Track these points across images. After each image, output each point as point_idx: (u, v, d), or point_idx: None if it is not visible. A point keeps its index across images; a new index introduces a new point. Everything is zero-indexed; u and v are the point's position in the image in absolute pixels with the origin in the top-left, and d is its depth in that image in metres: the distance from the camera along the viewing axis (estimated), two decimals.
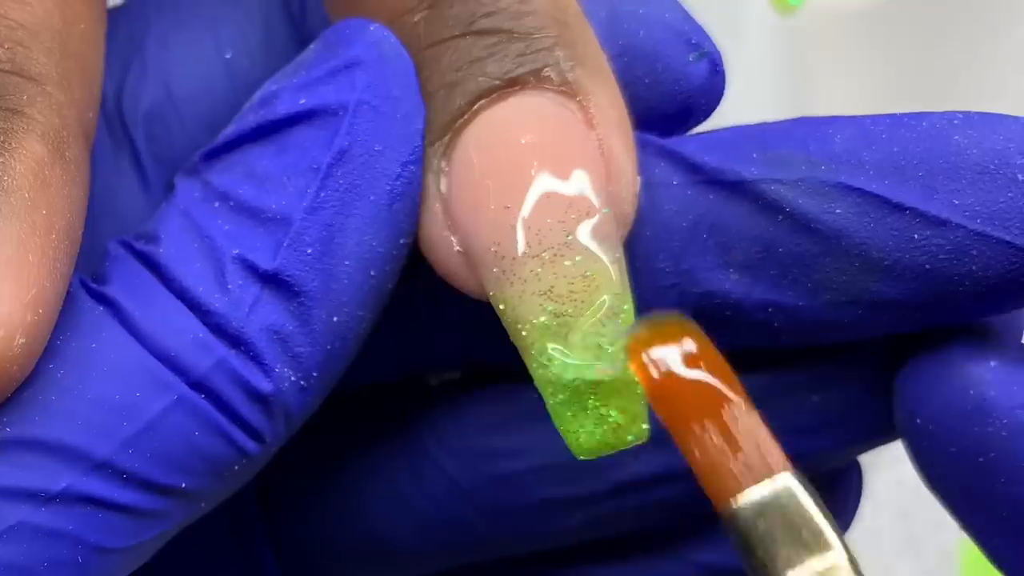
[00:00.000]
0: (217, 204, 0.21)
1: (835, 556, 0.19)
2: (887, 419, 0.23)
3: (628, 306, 0.20)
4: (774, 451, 0.19)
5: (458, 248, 0.21)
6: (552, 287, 0.20)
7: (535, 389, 0.21)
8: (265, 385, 0.20)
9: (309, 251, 0.20)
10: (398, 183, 0.20)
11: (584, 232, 0.20)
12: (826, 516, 0.19)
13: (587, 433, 0.20)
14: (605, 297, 0.20)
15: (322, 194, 0.20)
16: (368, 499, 0.25)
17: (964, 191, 0.21)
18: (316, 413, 0.22)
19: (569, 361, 0.20)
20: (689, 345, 0.19)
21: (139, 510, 0.20)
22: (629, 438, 0.20)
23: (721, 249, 0.22)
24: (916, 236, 0.21)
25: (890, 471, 0.59)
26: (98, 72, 0.22)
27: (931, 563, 0.55)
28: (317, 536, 0.26)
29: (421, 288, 0.22)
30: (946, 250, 0.21)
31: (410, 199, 0.21)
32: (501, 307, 0.20)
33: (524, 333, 0.20)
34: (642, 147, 0.22)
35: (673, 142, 0.22)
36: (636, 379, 0.20)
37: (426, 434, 0.25)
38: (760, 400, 0.22)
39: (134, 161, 0.24)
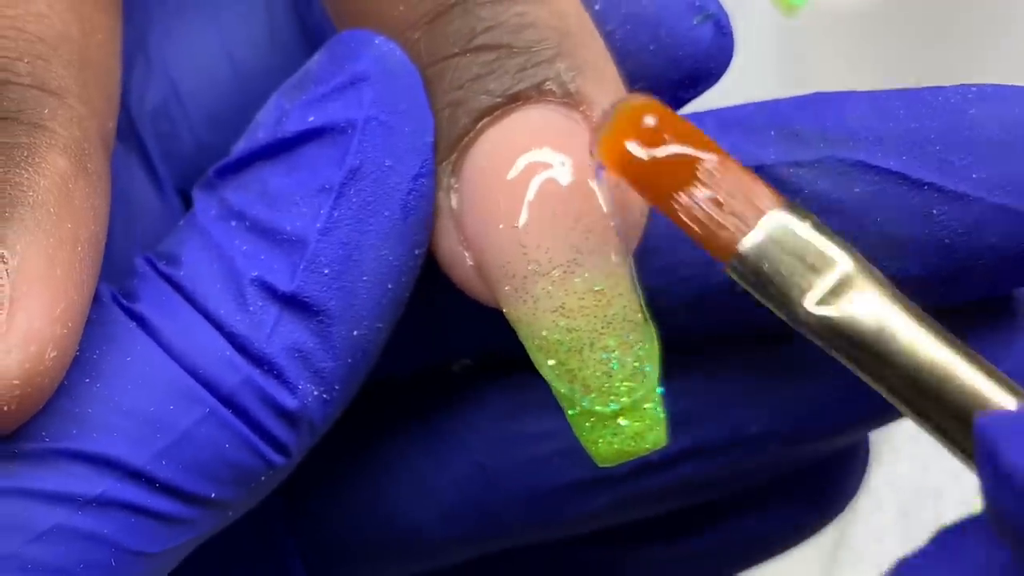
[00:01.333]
0: (234, 223, 0.21)
1: (842, 266, 0.19)
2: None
3: (640, 314, 0.20)
4: (759, 192, 0.19)
5: (471, 263, 0.21)
6: (563, 304, 0.20)
7: None
8: (290, 402, 0.21)
9: (326, 271, 0.20)
10: (411, 197, 0.21)
11: (592, 246, 0.20)
12: (824, 234, 0.19)
13: (606, 443, 0.20)
14: (617, 309, 0.20)
15: (335, 213, 0.20)
16: (392, 489, 0.26)
17: (981, 164, 0.21)
18: None
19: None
20: (649, 121, 0.19)
21: (171, 517, 0.20)
22: (647, 445, 0.20)
23: None
24: (935, 212, 0.21)
25: (889, 469, 0.59)
26: (116, 81, 0.22)
27: None
28: (342, 529, 0.26)
29: (437, 284, 0.23)
30: (965, 224, 0.21)
31: (423, 211, 0.21)
32: (515, 323, 0.20)
33: (539, 349, 0.20)
34: None
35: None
36: (654, 394, 0.20)
37: (449, 421, 0.25)
38: (771, 377, 0.22)
39: (143, 159, 0.25)
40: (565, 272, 0.20)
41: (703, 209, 0.19)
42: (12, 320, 0.18)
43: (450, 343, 0.25)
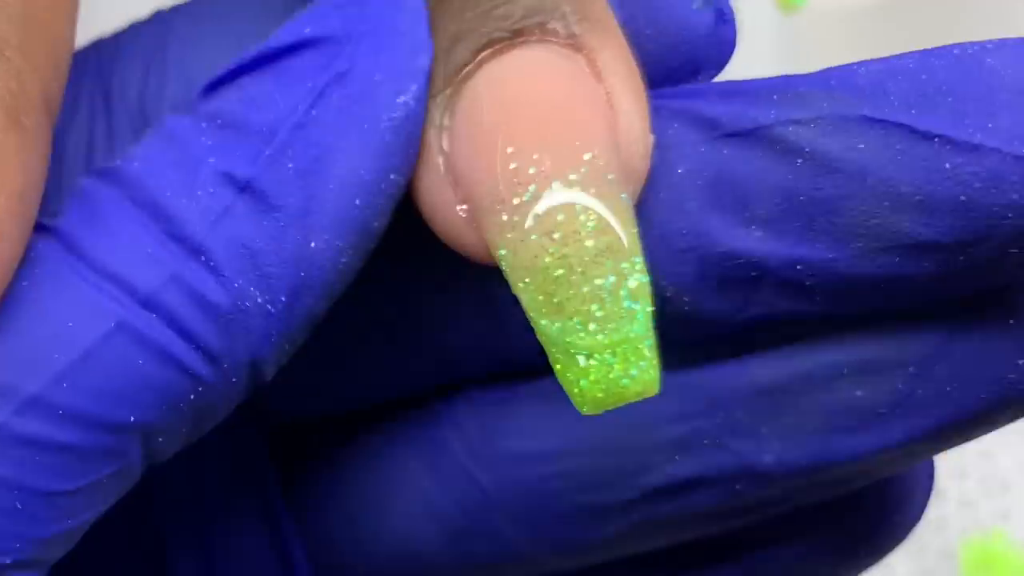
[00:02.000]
0: (204, 124, 0.20)
1: None
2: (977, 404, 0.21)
3: (638, 257, 0.19)
4: None
5: (460, 206, 0.20)
6: (556, 229, 0.19)
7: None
8: (222, 299, 0.19)
9: (291, 166, 0.19)
10: (395, 116, 0.19)
11: (591, 179, 0.19)
12: None
13: (590, 384, 0.19)
14: (612, 238, 0.19)
15: (313, 112, 0.19)
16: (397, 506, 0.25)
17: (998, 113, 0.19)
18: (340, 416, 0.21)
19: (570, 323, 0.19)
20: None
21: (83, 448, 0.18)
22: (637, 388, 0.19)
23: (740, 205, 0.20)
24: (947, 165, 0.19)
25: None
26: (65, 44, 0.21)
27: (932, 563, 0.55)
28: (349, 550, 0.25)
29: (430, 292, 0.22)
30: (981, 178, 0.19)
31: (405, 135, 0.20)
32: (503, 254, 0.19)
33: (527, 280, 0.19)
34: (655, 109, 0.21)
35: (688, 92, 0.21)
36: (645, 331, 0.19)
37: (454, 439, 0.24)
38: (822, 385, 0.21)
39: None
40: (563, 201, 0.19)
41: None
42: None
43: (453, 362, 0.24)
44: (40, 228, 0.19)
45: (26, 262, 0.19)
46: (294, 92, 0.19)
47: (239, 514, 0.21)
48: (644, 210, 0.21)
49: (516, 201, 0.19)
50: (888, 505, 0.25)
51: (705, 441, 0.22)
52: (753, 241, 0.20)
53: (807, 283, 0.21)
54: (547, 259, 0.19)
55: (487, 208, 0.19)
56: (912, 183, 0.19)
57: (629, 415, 0.21)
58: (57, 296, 0.19)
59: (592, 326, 0.19)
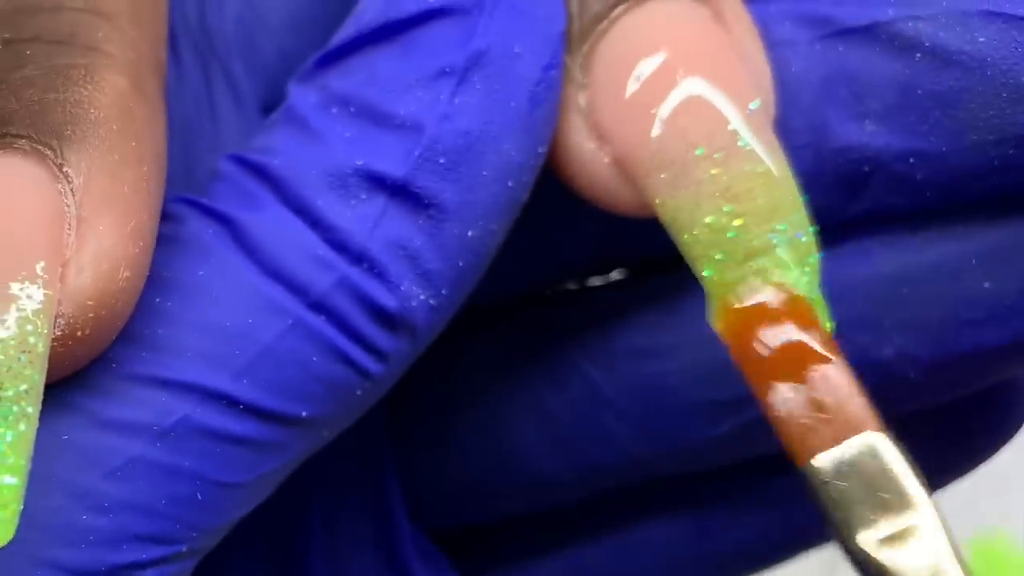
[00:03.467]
0: (336, 110, 0.19)
1: (916, 516, 0.18)
2: None
3: (799, 198, 0.19)
4: (860, 408, 0.18)
5: (607, 160, 0.19)
6: (729, 187, 0.19)
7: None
8: (390, 303, 0.19)
9: (442, 161, 0.19)
10: (539, 88, 0.19)
11: (748, 129, 0.19)
12: (913, 473, 0.18)
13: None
14: (783, 191, 0.19)
15: (457, 99, 0.19)
16: (506, 412, 0.24)
17: None
18: (447, 327, 0.21)
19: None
20: (775, 299, 0.18)
21: (258, 441, 0.19)
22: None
23: (855, 99, 0.20)
24: None
25: None
26: (166, 7, 0.21)
27: None
28: (450, 459, 0.25)
29: (549, 195, 0.21)
30: None
31: (550, 106, 0.19)
32: (673, 213, 0.19)
33: (700, 237, 0.19)
34: (767, 12, 0.21)
35: None
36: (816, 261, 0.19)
37: (567, 339, 0.24)
38: (948, 275, 0.21)
39: (224, 77, 0.24)
40: (727, 155, 0.19)
41: (800, 407, 0.18)
42: (82, 239, 0.18)
43: (563, 257, 0.24)
44: (201, 209, 0.19)
45: (199, 250, 0.19)
46: (433, 77, 0.19)
47: (346, 460, 0.22)
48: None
49: (683, 160, 0.19)
50: (983, 416, 0.25)
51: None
52: (868, 135, 0.21)
53: (918, 177, 0.21)
54: (723, 221, 0.19)
55: (647, 169, 0.19)
56: None
57: None
58: (236, 292, 0.19)
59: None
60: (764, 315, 0.19)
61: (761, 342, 0.18)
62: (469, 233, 0.19)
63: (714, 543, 0.25)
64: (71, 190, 0.18)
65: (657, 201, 0.19)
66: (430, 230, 0.19)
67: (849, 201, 0.21)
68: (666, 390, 0.23)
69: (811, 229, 0.19)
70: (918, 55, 0.20)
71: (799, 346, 0.18)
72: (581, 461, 0.24)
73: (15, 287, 0.17)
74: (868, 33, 0.20)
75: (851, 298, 0.22)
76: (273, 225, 0.19)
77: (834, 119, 0.21)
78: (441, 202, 0.19)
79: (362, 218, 0.19)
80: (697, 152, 0.19)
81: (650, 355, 0.23)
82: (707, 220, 0.19)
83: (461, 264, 0.19)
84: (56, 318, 0.17)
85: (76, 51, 0.19)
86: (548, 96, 0.19)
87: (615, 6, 0.19)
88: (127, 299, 0.18)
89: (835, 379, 0.18)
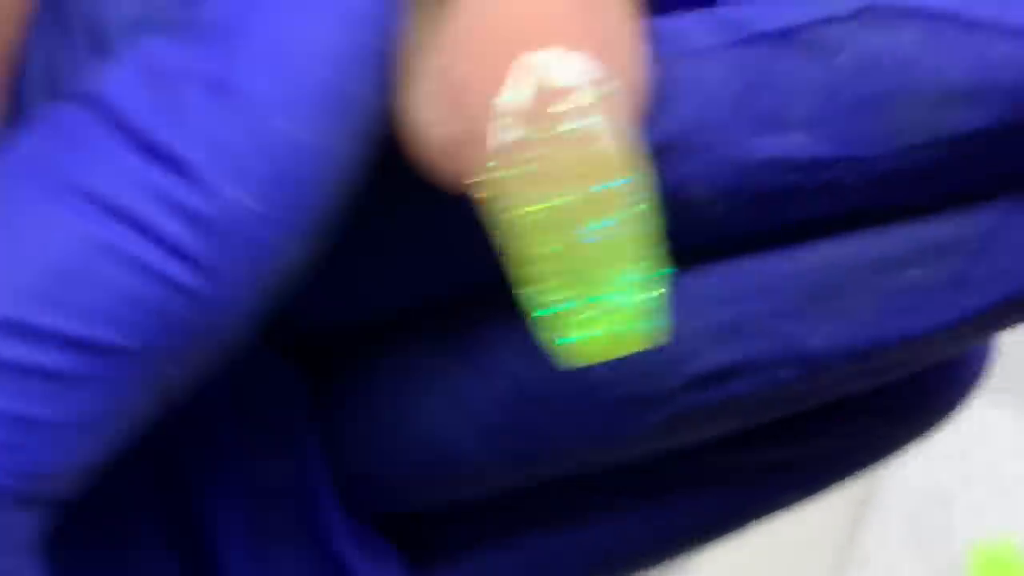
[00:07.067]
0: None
1: None
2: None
3: (645, 192, 0.18)
4: None
5: (440, 130, 0.19)
6: (550, 171, 0.18)
7: None
8: (207, 206, 0.18)
9: (253, 47, 0.18)
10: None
11: (586, 111, 0.18)
12: None
13: (583, 342, 0.19)
14: (613, 182, 0.18)
15: None
16: (427, 404, 0.23)
17: None
18: (371, 326, 0.20)
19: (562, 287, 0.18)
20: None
21: (65, 373, 0.18)
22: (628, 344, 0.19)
23: (777, 109, 0.20)
24: (996, 54, 0.19)
25: (898, 473, 0.59)
26: None
27: (940, 568, 0.55)
28: (377, 452, 0.24)
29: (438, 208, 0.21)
30: None
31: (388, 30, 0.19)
32: (488, 195, 0.18)
33: (515, 224, 0.18)
34: (674, 20, 0.20)
35: (710, 4, 0.21)
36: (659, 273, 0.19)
37: (489, 333, 0.23)
38: (876, 265, 0.20)
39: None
40: (557, 137, 0.18)
41: None
42: None
43: (484, 263, 0.24)
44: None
45: None
46: None
47: (264, 446, 0.21)
48: (673, 126, 0.20)
49: (506, 140, 0.18)
50: (921, 391, 0.24)
51: (753, 325, 0.22)
52: (792, 145, 0.20)
53: (847, 183, 0.20)
54: (540, 204, 0.18)
55: (472, 145, 0.18)
56: (959, 74, 0.19)
57: (676, 302, 0.21)
58: (13, 211, 0.18)
59: (598, 275, 0.19)
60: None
61: None
62: (296, 129, 0.18)
63: (671, 523, 0.25)
64: None
65: (477, 181, 0.18)
66: (248, 125, 0.18)
67: (774, 212, 0.21)
68: (594, 384, 0.22)
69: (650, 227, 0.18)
70: (840, 59, 0.19)
71: None
72: (506, 450, 0.23)
73: None
74: (785, 38, 0.20)
75: (779, 291, 0.21)
76: (80, 139, 0.18)
77: (756, 132, 0.20)
78: (253, 91, 0.18)
79: (177, 111, 0.18)
80: (519, 133, 0.18)
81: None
82: (524, 204, 0.18)
83: (293, 167, 0.18)
84: None
85: None
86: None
87: None
88: None
89: None
